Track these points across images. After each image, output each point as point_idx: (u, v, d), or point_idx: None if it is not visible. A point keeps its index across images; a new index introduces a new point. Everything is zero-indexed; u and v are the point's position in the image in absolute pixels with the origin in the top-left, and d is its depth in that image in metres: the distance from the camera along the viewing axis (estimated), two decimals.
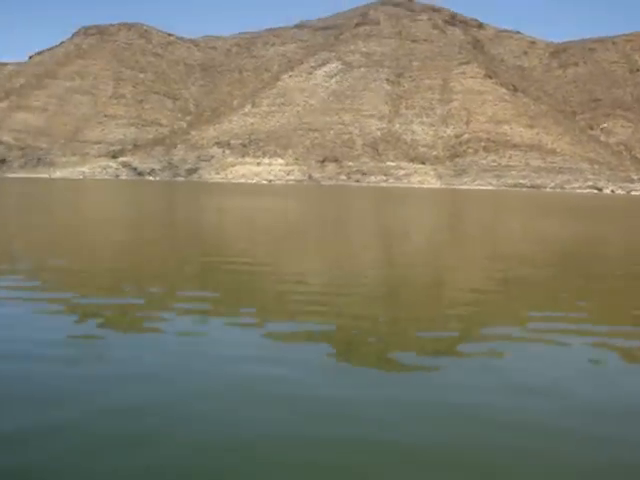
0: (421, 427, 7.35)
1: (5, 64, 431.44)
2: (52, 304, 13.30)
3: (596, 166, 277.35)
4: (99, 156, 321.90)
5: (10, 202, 59.41)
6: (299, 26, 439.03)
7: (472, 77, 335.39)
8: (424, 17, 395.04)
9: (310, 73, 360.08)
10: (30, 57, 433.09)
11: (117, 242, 25.81)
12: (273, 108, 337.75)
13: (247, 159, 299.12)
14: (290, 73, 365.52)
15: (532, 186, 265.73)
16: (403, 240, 29.99)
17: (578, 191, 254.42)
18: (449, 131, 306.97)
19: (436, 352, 10.65)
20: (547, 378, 9.41)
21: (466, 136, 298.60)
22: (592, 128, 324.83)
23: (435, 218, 51.18)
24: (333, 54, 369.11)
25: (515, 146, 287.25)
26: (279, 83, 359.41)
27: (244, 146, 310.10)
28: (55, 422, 7.09)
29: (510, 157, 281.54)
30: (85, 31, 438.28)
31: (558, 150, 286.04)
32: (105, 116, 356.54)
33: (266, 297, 14.82)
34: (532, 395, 8.55)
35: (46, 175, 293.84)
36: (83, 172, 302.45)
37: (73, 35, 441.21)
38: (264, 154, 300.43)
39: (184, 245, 25.30)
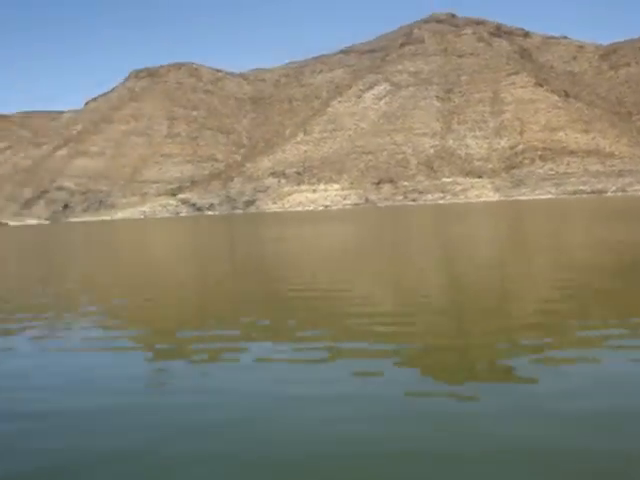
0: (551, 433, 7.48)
1: (62, 112, 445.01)
2: (138, 340, 13.75)
3: None
4: (158, 195, 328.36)
5: (82, 245, 61.03)
6: (345, 51, 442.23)
7: (522, 87, 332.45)
8: (468, 31, 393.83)
9: (359, 97, 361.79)
10: (86, 103, 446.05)
11: (189, 277, 26.35)
12: (325, 134, 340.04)
13: (303, 187, 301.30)
14: (339, 98, 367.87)
15: (593, 191, 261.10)
16: (469, 256, 29.93)
17: None
18: (503, 143, 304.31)
19: (524, 362, 10.59)
20: None
21: (521, 146, 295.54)
22: None
23: (497, 232, 50.79)
24: (380, 76, 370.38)
25: (572, 152, 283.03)
26: (329, 109, 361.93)
27: (299, 174, 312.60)
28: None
29: (568, 164, 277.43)
30: (137, 74, 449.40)
31: (616, 153, 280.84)
32: (161, 155, 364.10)
33: (339, 322, 14.88)
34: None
35: (108, 217, 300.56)
36: (144, 211, 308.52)
37: (125, 79, 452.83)
38: (319, 180, 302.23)
39: (255, 276, 25.66)
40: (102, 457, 7.40)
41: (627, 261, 24.78)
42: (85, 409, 9.16)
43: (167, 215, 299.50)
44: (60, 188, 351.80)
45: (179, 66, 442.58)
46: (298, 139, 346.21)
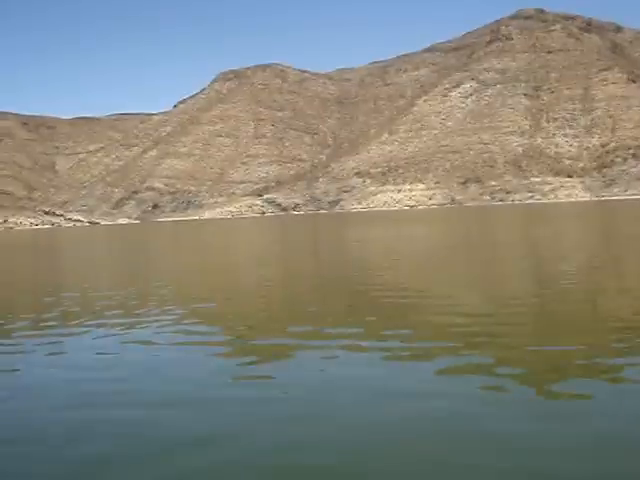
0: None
1: (152, 114, 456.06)
2: (220, 344, 13.88)
3: None
4: (244, 195, 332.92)
5: (181, 243, 62.13)
6: (430, 49, 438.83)
7: (614, 83, 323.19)
8: (558, 27, 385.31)
9: (445, 95, 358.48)
10: (175, 106, 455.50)
11: (277, 277, 26.34)
12: (410, 134, 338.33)
13: (388, 187, 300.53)
14: (425, 97, 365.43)
15: None
16: (558, 261, 29.00)
17: None
18: (594, 141, 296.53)
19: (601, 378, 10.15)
20: None
21: (613, 144, 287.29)
22: None
23: (588, 235, 49.24)
24: (467, 74, 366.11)
25: None
26: (414, 108, 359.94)
27: (384, 174, 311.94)
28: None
29: None
30: (224, 76, 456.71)
31: None
32: (248, 156, 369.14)
33: (420, 324, 14.74)
34: None
35: (196, 217, 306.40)
36: (231, 211, 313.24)
37: (213, 81, 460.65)
38: (404, 180, 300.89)
39: (345, 277, 25.47)
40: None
41: None
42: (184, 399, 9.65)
43: (253, 215, 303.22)
44: (150, 188, 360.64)
45: (265, 67, 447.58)
46: (383, 139, 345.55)
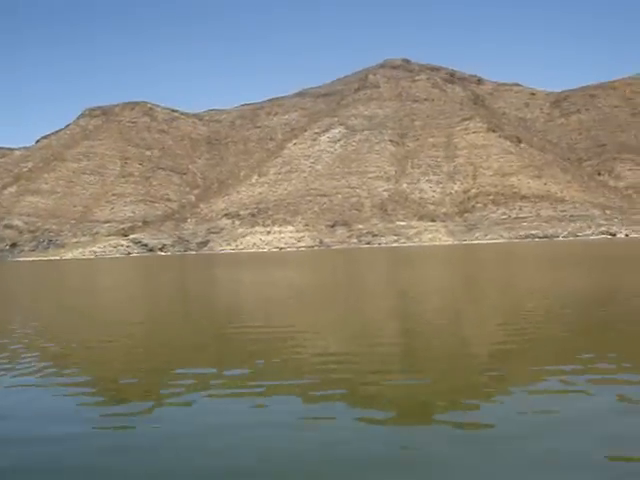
0: None
1: (13, 149, 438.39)
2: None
3: (607, 211, 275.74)
4: (109, 235, 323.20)
5: (32, 286, 58.36)
6: (300, 94, 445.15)
7: (475, 132, 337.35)
8: (423, 77, 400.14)
9: (314, 139, 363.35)
10: (37, 141, 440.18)
11: (138, 322, 24.50)
12: (280, 176, 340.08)
13: (257, 228, 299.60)
14: (294, 141, 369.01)
15: (545, 236, 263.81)
16: (420, 301, 28.40)
17: (592, 238, 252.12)
18: (456, 187, 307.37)
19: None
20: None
21: (474, 191, 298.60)
22: (600, 173, 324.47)
23: (447, 277, 49.59)
24: (336, 119, 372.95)
25: (524, 197, 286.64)
26: (284, 151, 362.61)
27: (253, 216, 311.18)
28: None
29: (520, 209, 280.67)
30: (90, 112, 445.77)
31: (567, 198, 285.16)
32: (113, 195, 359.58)
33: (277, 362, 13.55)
34: None
35: (57, 257, 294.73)
36: (94, 251, 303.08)
37: (78, 117, 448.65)
38: (274, 222, 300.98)
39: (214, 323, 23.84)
40: None
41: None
42: None
43: (118, 255, 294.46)
44: (8, 226, 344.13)
45: (133, 105, 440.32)
46: (253, 181, 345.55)
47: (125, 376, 14.43)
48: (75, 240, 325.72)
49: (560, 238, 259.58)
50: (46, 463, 8.90)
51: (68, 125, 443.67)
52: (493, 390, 11.84)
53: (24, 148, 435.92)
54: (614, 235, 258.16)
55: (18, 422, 10.98)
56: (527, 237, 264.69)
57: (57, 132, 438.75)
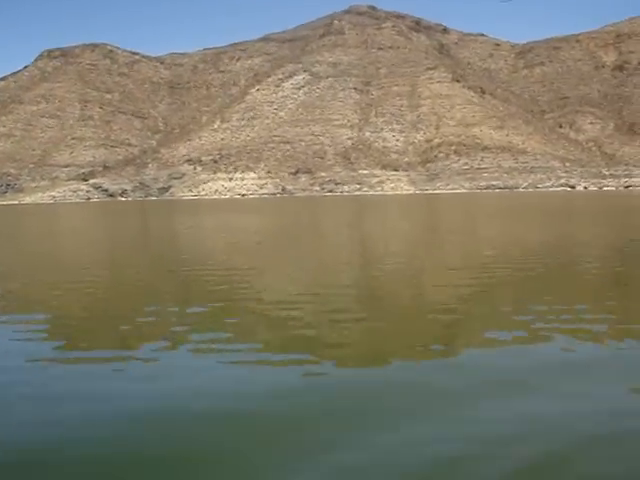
0: None
1: None
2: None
3: (567, 164, 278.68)
4: (69, 179, 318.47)
5: None
6: (265, 39, 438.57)
7: (439, 82, 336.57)
8: (389, 24, 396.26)
9: (278, 86, 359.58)
10: None
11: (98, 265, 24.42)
12: (243, 122, 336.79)
13: (219, 175, 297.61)
14: (258, 87, 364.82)
15: (505, 187, 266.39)
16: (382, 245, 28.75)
17: (551, 189, 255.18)
18: (420, 136, 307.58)
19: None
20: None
21: (437, 141, 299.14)
22: (561, 126, 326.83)
23: (407, 225, 50.07)
24: (300, 65, 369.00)
25: (486, 148, 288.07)
26: (247, 97, 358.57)
27: (215, 162, 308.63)
28: None
29: (482, 159, 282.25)
30: (49, 54, 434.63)
31: (529, 150, 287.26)
32: (73, 139, 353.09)
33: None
34: None
35: (16, 201, 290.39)
36: (53, 196, 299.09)
37: (37, 58, 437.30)
38: (236, 169, 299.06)
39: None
40: None
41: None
42: None
43: (78, 200, 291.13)
44: None
45: (93, 47, 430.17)
46: (215, 126, 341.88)
47: (78, 316, 14.51)
48: (34, 185, 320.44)
49: (520, 189, 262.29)
50: None
51: (26, 67, 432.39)
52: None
53: None
54: (573, 187, 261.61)
55: None
56: (488, 188, 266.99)
57: (15, 74, 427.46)
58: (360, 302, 15.56)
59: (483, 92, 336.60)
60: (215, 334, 12.33)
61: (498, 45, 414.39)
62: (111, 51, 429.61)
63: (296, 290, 17.54)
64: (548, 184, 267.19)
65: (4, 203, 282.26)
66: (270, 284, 18.87)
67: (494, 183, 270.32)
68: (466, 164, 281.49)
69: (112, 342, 12.06)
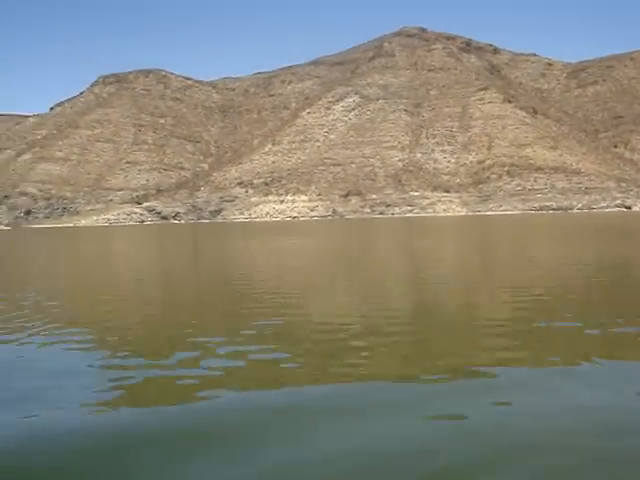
0: None
1: (27, 116, 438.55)
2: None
3: (623, 184, 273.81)
4: (123, 203, 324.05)
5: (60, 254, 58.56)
6: (315, 62, 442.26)
7: (491, 102, 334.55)
8: (439, 46, 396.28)
9: (328, 108, 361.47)
10: (51, 108, 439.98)
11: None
12: (294, 145, 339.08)
13: (270, 197, 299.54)
14: (308, 110, 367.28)
15: (559, 208, 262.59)
16: (435, 267, 28.29)
17: (607, 210, 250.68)
18: (471, 157, 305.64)
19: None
20: None
21: (489, 162, 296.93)
22: (616, 146, 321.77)
23: (461, 247, 49.43)
24: (350, 88, 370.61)
25: (539, 169, 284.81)
26: (298, 120, 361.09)
27: (266, 184, 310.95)
28: None
29: (535, 180, 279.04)
30: (104, 80, 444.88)
31: (583, 170, 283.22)
32: (127, 162, 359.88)
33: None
34: None
35: (71, 224, 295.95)
36: (108, 219, 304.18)
37: (92, 84, 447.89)
38: (287, 191, 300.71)
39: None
40: None
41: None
42: None
43: (131, 223, 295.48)
44: (23, 193, 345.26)
45: (147, 73, 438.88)
46: (266, 149, 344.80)
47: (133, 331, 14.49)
48: (89, 208, 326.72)
49: (575, 210, 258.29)
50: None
51: (82, 92, 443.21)
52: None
53: (38, 115, 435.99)
54: (629, 208, 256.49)
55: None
56: (541, 209, 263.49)
57: (71, 99, 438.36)
58: (409, 321, 15.23)
59: (535, 112, 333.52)
60: (275, 354, 12.15)
61: (550, 64, 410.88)
62: (164, 76, 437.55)
63: (354, 313, 17.22)
64: (603, 205, 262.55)
65: (60, 225, 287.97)
66: (328, 307, 18.55)
67: (547, 204, 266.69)
68: (519, 185, 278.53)
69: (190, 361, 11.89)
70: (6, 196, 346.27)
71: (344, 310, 18.30)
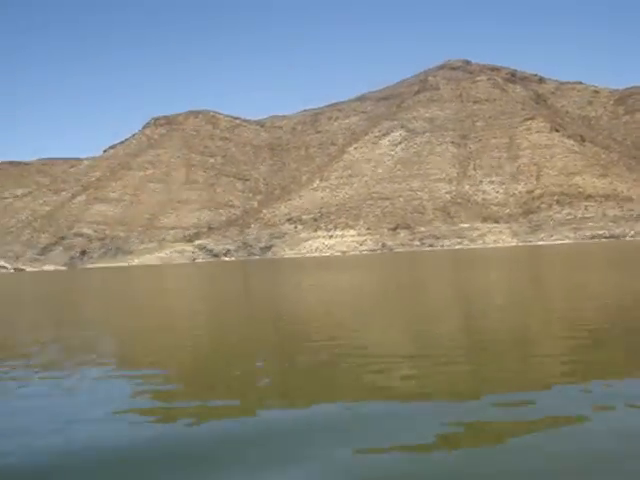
0: None
1: (81, 159, 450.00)
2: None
3: None
4: (175, 241, 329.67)
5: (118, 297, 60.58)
6: (361, 98, 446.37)
7: (538, 132, 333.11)
8: (483, 77, 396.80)
9: (375, 143, 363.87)
10: (104, 151, 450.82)
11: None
12: (341, 180, 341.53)
13: (319, 232, 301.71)
14: (355, 145, 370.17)
15: (611, 236, 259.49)
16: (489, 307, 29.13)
17: None
18: (520, 187, 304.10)
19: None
20: None
21: (538, 191, 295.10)
22: None
23: (519, 282, 49.98)
24: (396, 122, 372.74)
25: (590, 197, 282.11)
26: (345, 156, 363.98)
27: (315, 220, 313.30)
28: None
29: (586, 208, 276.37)
30: (155, 121, 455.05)
31: (634, 197, 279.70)
32: (179, 202, 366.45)
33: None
34: None
35: (125, 263, 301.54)
36: (161, 257, 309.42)
37: (144, 126, 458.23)
38: (336, 226, 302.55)
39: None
40: None
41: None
42: None
43: (184, 261, 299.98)
44: (78, 234, 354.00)
45: (197, 114, 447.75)
46: (314, 185, 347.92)
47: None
48: (142, 247, 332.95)
49: (628, 238, 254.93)
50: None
51: (134, 134, 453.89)
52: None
53: (92, 158, 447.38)
54: None
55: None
56: (593, 237, 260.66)
57: (123, 142, 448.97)
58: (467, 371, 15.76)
59: (583, 140, 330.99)
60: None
61: (597, 92, 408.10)
62: (213, 116, 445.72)
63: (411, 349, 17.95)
64: None
65: (114, 265, 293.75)
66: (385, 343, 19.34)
67: (599, 232, 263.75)
68: (569, 214, 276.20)
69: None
70: (62, 237, 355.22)
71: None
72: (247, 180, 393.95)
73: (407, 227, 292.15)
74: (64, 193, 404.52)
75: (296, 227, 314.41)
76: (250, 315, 31.02)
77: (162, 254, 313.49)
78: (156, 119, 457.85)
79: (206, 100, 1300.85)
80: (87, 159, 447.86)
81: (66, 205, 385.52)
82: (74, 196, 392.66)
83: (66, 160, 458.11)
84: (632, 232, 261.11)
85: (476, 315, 25.50)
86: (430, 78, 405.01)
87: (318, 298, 40.05)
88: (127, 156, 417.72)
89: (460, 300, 34.46)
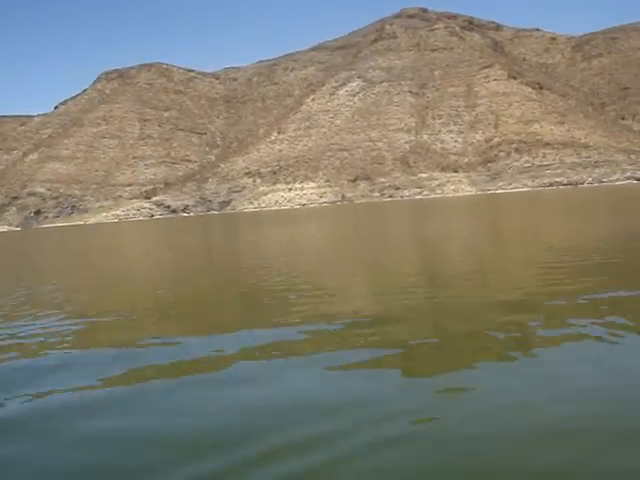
0: None
1: (31, 116, 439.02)
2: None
3: (632, 156, 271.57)
4: (132, 198, 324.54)
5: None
6: (316, 48, 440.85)
7: (496, 80, 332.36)
8: (440, 26, 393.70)
9: (332, 94, 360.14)
10: (55, 107, 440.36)
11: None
12: (299, 132, 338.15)
13: (278, 186, 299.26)
14: (312, 96, 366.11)
15: (569, 183, 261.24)
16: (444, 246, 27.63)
17: (617, 183, 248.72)
18: (478, 136, 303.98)
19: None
20: None
21: (496, 140, 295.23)
22: (623, 118, 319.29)
23: (469, 227, 48.70)
24: (353, 72, 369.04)
25: (547, 144, 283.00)
26: (303, 107, 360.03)
27: (274, 173, 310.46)
28: None
29: (544, 156, 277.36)
30: (106, 76, 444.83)
31: (591, 144, 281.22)
32: (134, 158, 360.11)
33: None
34: None
35: (81, 222, 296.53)
36: (117, 215, 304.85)
37: (95, 81, 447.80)
38: (295, 179, 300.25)
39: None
40: None
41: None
42: None
43: (141, 218, 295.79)
44: (31, 194, 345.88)
45: (149, 67, 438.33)
46: (272, 138, 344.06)
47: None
48: (98, 205, 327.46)
49: (585, 185, 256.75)
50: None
51: (85, 90, 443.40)
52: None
53: (43, 115, 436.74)
54: None
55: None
56: (551, 185, 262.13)
57: (75, 97, 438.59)
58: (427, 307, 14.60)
59: (541, 87, 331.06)
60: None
61: (554, 39, 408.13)
62: (167, 69, 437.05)
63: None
64: (613, 178, 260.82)
65: (70, 224, 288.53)
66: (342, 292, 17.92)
67: (558, 180, 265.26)
68: (528, 162, 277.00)
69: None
70: (15, 197, 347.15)
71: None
72: (203, 134, 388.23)
73: (367, 178, 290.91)
74: (15, 152, 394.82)
75: (255, 181, 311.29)
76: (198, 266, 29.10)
77: (119, 212, 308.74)
78: (107, 73, 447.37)
79: (158, 53, 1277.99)
80: (38, 116, 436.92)
81: (18, 164, 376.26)
82: (26, 154, 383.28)
83: (16, 117, 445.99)
84: (589, 179, 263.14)
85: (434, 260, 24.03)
86: (387, 27, 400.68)
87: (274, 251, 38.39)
88: (79, 112, 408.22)
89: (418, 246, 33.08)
